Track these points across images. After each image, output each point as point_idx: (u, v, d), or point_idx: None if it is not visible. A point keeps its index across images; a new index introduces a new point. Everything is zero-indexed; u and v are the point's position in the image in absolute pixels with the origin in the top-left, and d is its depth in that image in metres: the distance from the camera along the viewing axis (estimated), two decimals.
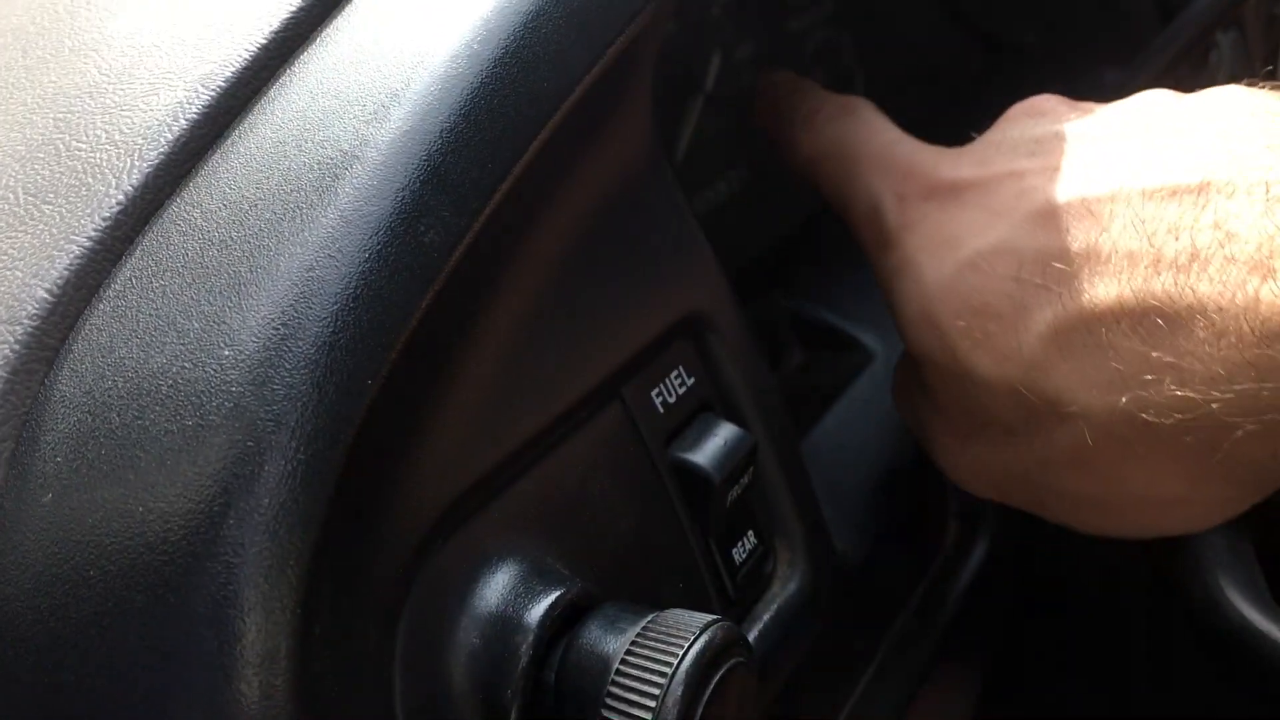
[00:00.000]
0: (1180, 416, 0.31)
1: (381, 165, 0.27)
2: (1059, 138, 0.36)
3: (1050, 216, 0.34)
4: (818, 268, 0.54)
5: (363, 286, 0.25)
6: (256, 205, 0.27)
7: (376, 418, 0.25)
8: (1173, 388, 0.31)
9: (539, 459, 0.30)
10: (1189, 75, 0.76)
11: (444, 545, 0.27)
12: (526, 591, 0.28)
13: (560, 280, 0.31)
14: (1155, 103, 0.37)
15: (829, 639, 0.39)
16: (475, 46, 0.29)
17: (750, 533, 0.36)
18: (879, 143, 0.42)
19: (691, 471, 0.34)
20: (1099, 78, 0.72)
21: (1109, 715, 0.53)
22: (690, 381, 0.35)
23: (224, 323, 0.25)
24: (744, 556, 0.35)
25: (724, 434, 0.34)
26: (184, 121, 0.29)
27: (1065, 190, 0.34)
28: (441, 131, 0.27)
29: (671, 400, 0.34)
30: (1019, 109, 0.41)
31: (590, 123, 0.32)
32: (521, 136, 0.29)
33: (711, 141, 0.60)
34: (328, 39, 0.31)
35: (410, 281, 0.26)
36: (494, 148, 0.28)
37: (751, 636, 0.35)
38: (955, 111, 0.70)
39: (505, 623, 0.27)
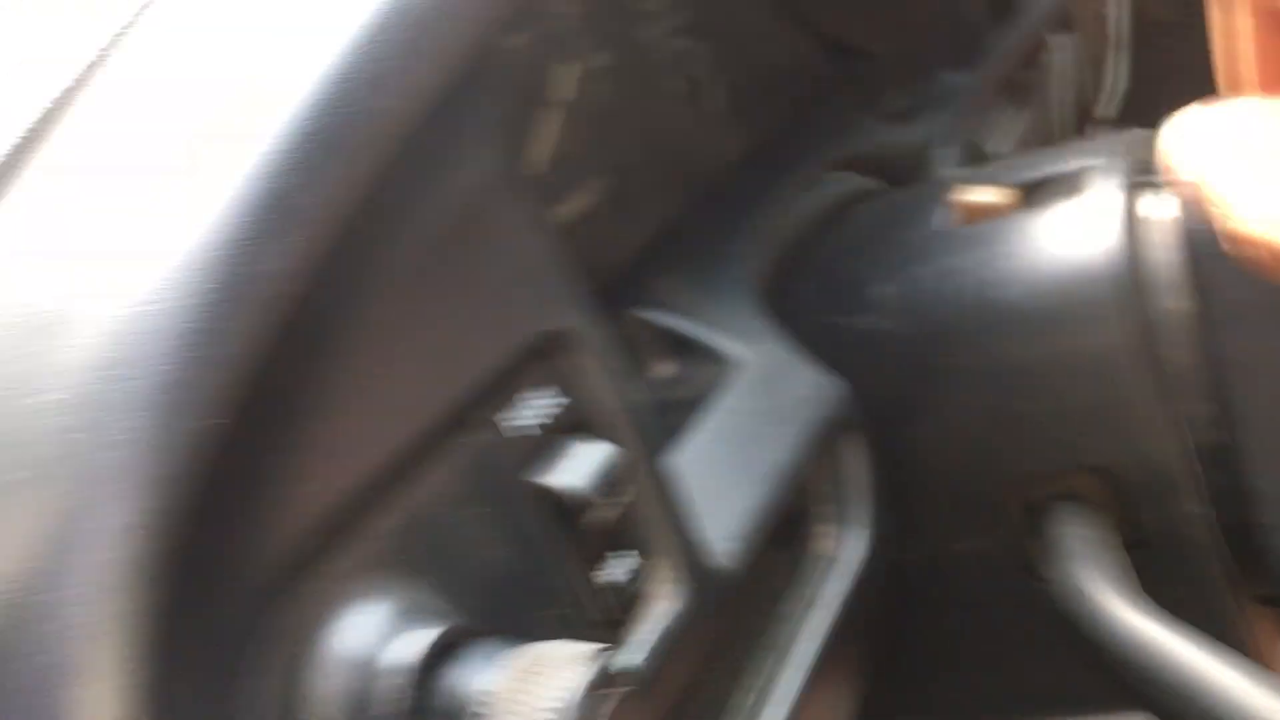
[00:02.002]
0: None
1: (216, 189, 0.25)
2: None
3: None
4: (678, 277, 0.54)
5: (201, 318, 0.23)
6: (82, 229, 0.25)
7: (222, 457, 0.23)
8: None
9: (397, 491, 0.29)
10: (1025, 75, 0.79)
11: (300, 589, 0.26)
12: (391, 631, 0.27)
13: (412, 302, 0.29)
14: None
15: (712, 652, 0.39)
16: (312, 63, 0.27)
17: (625, 553, 0.35)
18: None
19: (561, 493, 0.33)
20: (941, 81, 0.74)
21: (992, 700, 0.54)
22: (556, 401, 0.34)
23: (51, 365, 0.23)
24: (620, 578, 0.35)
25: (592, 453, 0.33)
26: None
27: None
28: (279, 152, 0.26)
29: (537, 421, 0.33)
30: None
31: (436, 140, 0.30)
32: (361, 156, 0.27)
33: (571, 152, 0.59)
34: (135, 50, 0.29)
35: (251, 311, 0.24)
36: (335, 169, 0.27)
37: (635, 658, 0.34)
38: (805, 116, 0.71)
39: (370, 666, 0.26)
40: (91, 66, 0.29)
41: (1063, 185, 0.53)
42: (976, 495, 0.49)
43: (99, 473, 0.22)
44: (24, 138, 0.27)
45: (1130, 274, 0.46)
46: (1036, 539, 0.48)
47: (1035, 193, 0.53)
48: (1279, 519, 0.43)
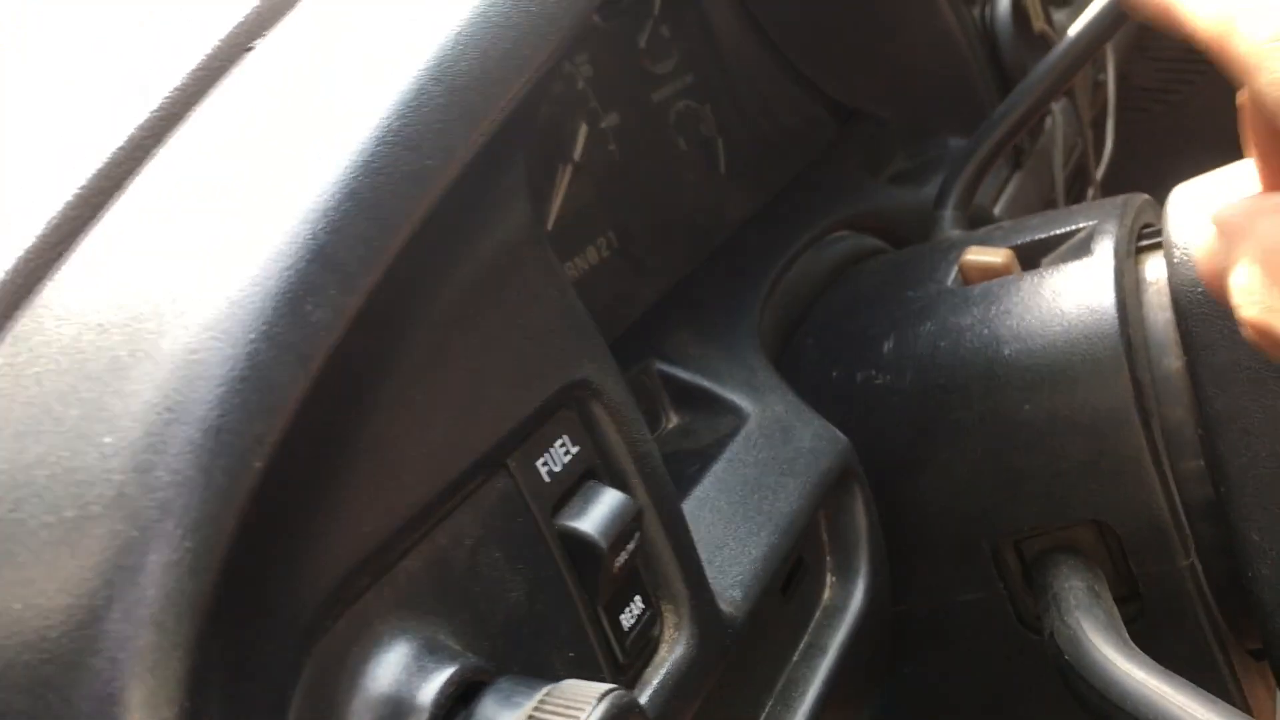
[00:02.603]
0: None
1: (264, 244, 0.26)
2: None
3: None
4: (688, 332, 0.55)
5: (248, 367, 0.25)
6: (137, 288, 0.26)
7: (263, 500, 0.24)
8: None
9: (427, 533, 0.30)
10: (1027, 139, 0.81)
11: (333, 626, 0.27)
12: (419, 670, 0.28)
13: (445, 353, 0.31)
14: None
15: (717, 697, 0.40)
16: (357, 128, 0.29)
17: (637, 598, 0.36)
18: None
19: (579, 539, 0.34)
20: (944, 145, 0.76)
21: None
22: (575, 450, 0.35)
23: (104, 408, 0.24)
24: (632, 622, 0.36)
25: (609, 501, 0.35)
26: (57, 202, 0.28)
27: None
28: (325, 210, 0.27)
29: (557, 469, 0.34)
30: None
31: (470, 199, 0.32)
32: (404, 214, 0.29)
33: (580, 210, 0.61)
34: (200, 118, 0.31)
35: (296, 360, 0.26)
36: (377, 226, 0.28)
37: (643, 700, 0.35)
38: (812, 177, 0.73)
39: (399, 703, 0.27)
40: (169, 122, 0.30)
41: (1062, 247, 0.55)
42: (975, 547, 0.50)
43: (146, 512, 0.23)
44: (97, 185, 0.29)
45: (1125, 334, 0.47)
46: (1033, 590, 0.49)
47: (1035, 254, 0.55)
48: (1268, 573, 0.44)
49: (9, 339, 0.26)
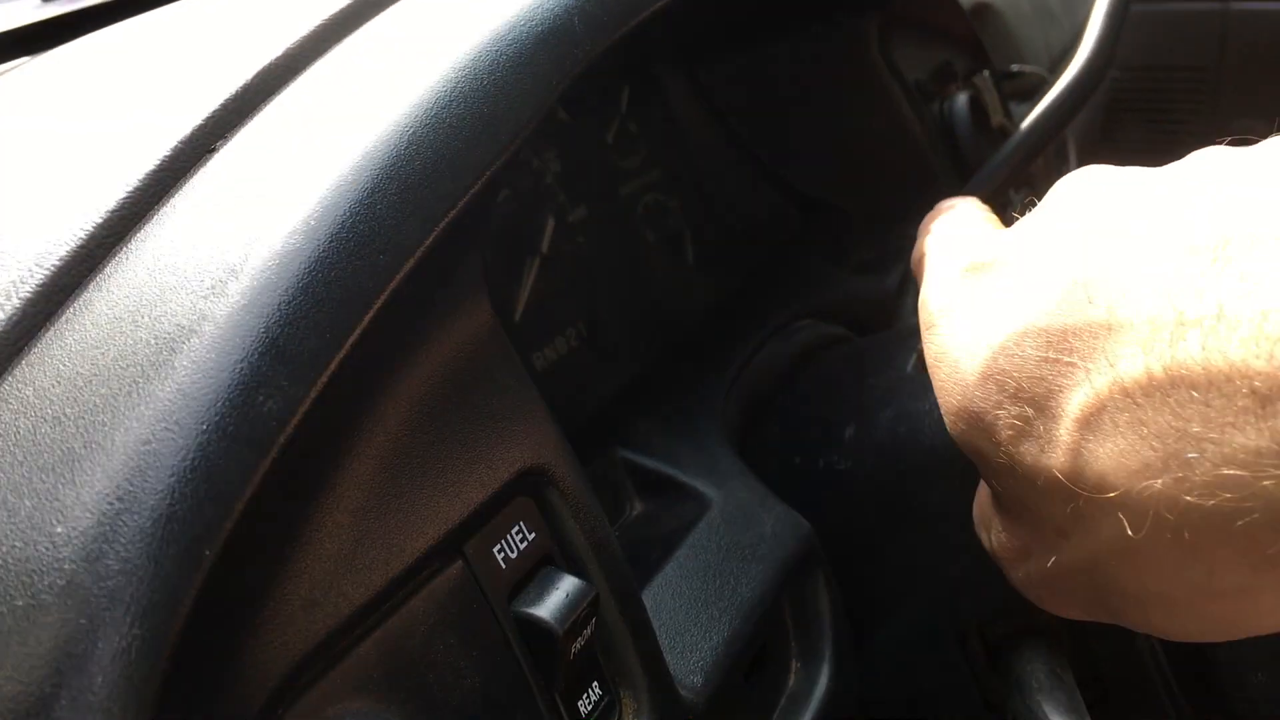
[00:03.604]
0: (1228, 496, 0.27)
1: (220, 338, 0.27)
2: (1091, 202, 0.34)
3: (1074, 287, 0.31)
4: (652, 420, 0.56)
5: (200, 457, 0.25)
6: (92, 381, 0.27)
7: (214, 588, 0.25)
8: (1216, 466, 0.27)
9: (381, 620, 0.30)
10: None
11: (287, 713, 0.27)
12: None
13: (400, 443, 0.31)
14: (1196, 161, 0.33)
15: None
16: (312, 224, 0.30)
17: (595, 684, 0.36)
18: (951, 227, 0.41)
19: (535, 625, 0.34)
20: (906, 234, 0.78)
21: None
22: (531, 536, 0.36)
23: (57, 499, 0.25)
24: (590, 708, 0.36)
25: (565, 587, 0.35)
26: (16, 300, 0.29)
27: (1088, 257, 0.31)
28: (279, 305, 0.28)
29: (513, 555, 0.35)
30: (1067, 180, 0.37)
31: (424, 293, 0.33)
32: (357, 308, 0.30)
33: (549, 301, 0.62)
34: (164, 217, 0.32)
35: (248, 451, 0.26)
36: (331, 319, 0.29)
37: None
38: (777, 267, 0.75)
39: None
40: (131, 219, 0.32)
41: None
42: (938, 632, 0.50)
43: (96, 600, 0.23)
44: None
45: None
46: (997, 674, 0.49)
47: None
48: (1225, 653, 0.45)
49: None
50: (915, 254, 0.45)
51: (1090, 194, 0.34)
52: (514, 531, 0.35)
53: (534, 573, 0.36)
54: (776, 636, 0.48)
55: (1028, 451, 0.32)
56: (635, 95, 0.73)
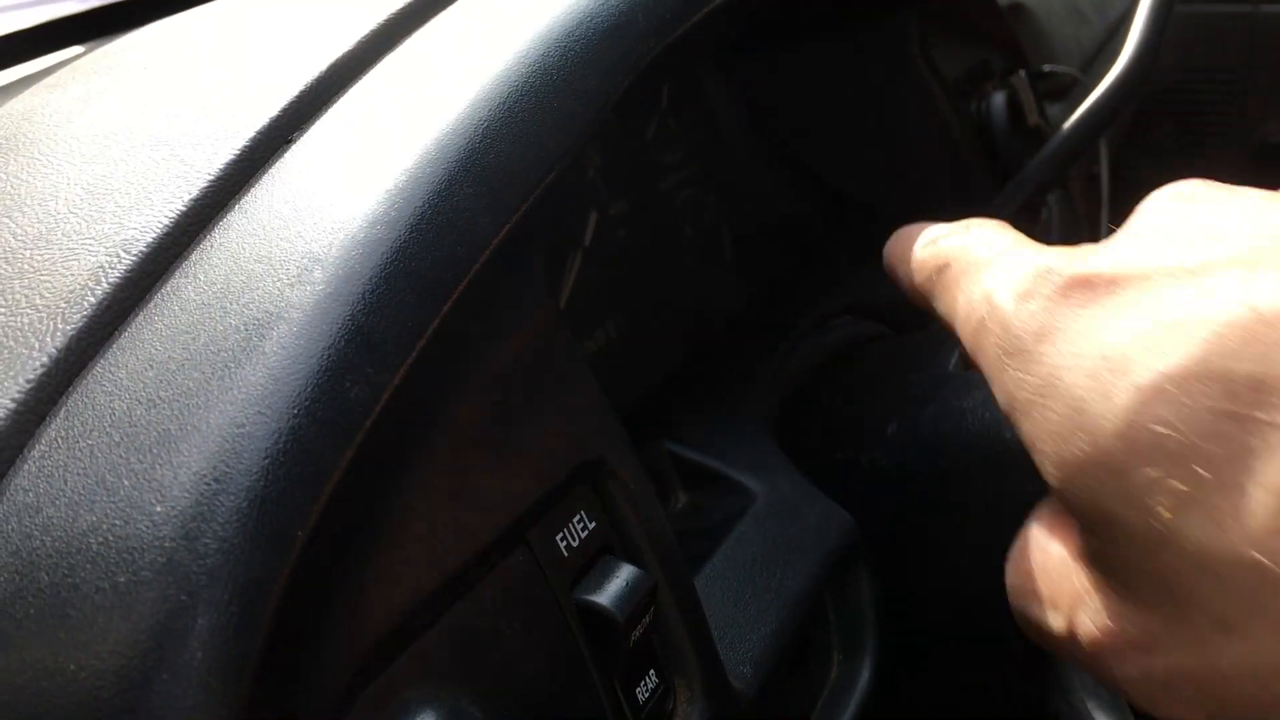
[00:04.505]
0: None
1: (307, 325, 0.28)
2: (1238, 224, 0.28)
3: (1260, 324, 0.25)
4: (696, 414, 0.57)
5: (291, 441, 0.26)
6: (184, 365, 0.28)
7: (303, 569, 0.26)
8: None
9: (451, 604, 0.31)
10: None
11: (364, 693, 0.28)
12: None
13: (470, 431, 0.32)
14: None
15: None
16: (392, 214, 0.31)
17: (652, 671, 0.37)
18: (1000, 245, 0.35)
19: (595, 612, 0.35)
20: None
21: None
22: (591, 525, 0.36)
23: (154, 479, 0.25)
24: (646, 695, 0.37)
25: (625, 575, 0.36)
26: (106, 285, 0.30)
27: (1274, 288, 0.26)
28: (364, 293, 0.29)
29: (575, 544, 0.36)
30: (1163, 194, 0.31)
31: (497, 283, 0.34)
32: (437, 297, 0.30)
33: (589, 293, 0.63)
34: (247, 206, 0.32)
35: (335, 434, 0.27)
36: (412, 308, 0.30)
37: None
38: (814, 263, 0.75)
39: None
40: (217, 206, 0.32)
41: None
42: (978, 628, 0.50)
43: (195, 578, 0.24)
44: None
45: None
46: (1040, 671, 0.50)
47: None
48: None
49: (63, 413, 0.28)
50: (921, 270, 0.39)
51: (1235, 212, 0.29)
52: (575, 521, 0.36)
53: (594, 561, 0.36)
54: (819, 629, 0.49)
55: (1197, 525, 0.26)
56: (676, 92, 0.73)
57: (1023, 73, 0.86)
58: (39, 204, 0.34)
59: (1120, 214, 0.32)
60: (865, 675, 0.49)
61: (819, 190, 0.80)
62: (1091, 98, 0.68)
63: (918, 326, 0.68)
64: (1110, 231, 0.32)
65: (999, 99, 0.82)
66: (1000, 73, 0.86)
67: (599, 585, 0.35)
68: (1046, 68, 1.00)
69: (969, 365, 0.56)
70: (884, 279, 0.72)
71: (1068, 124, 0.68)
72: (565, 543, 0.35)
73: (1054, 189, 0.84)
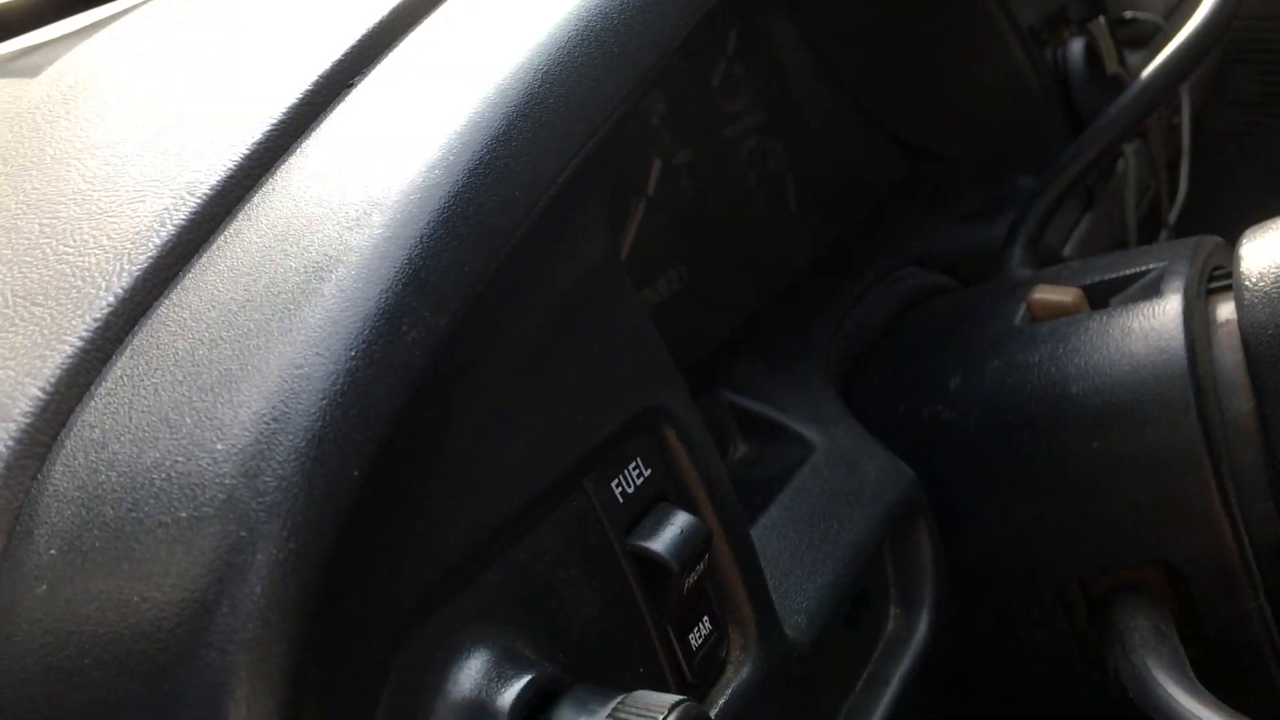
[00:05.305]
0: None
1: (365, 268, 0.28)
2: None
3: None
4: (757, 363, 0.56)
5: (349, 383, 0.26)
6: (245, 306, 0.28)
7: (361, 507, 0.26)
8: None
9: (507, 547, 0.31)
10: (1099, 180, 0.81)
11: (419, 632, 0.28)
12: (499, 677, 0.29)
13: (529, 375, 0.32)
14: None
15: (782, 718, 0.40)
16: (452, 158, 0.31)
17: (706, 619, 0.37)
18: None
19: (650, 559, 0.35)
20: (1014, 184, 0.76)
21: None
22: (647, 473, 0.36)
23: (216, 417, 0.26)
24: (700, 641, 0.37)
25: (680, 523, 0.36)
26: (170, 227, 0.30)
27: None
28: (421, 237, 0.29)
29: (630, 491, 0.36)
30: None
31: (555, 228, 0.34)
32: (495, 242, 0.30)
33: (653, 243, 0.63)
34: (307, 150, 0.33)
35: (392, 377, 0.27)
36: (469, 253, 0.30)
37: (713, 715, 0.36)
38: (880, 214, 0.74)
39: (479, 707, 0.28)
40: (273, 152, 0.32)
41: (1131, 287, 0.55)
42: (1039, 585, 0.50)
43: (255, 514, 0.25)
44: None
45: (1194, 375, 0.47)
46: (1097, 628, 0.49)
47: (1104, 293, 0.55)
48: None
49: (129, 352, 0.28)
50: None
51: None
52: (631, 468, 0.36)
53: (650, 508, 0.36)
54: (876, 582, 0.49)
55: None
56: (742, 38, 0.72)
57: (1102, 19, 0.84)
58: (107, 148, 0.34)
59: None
60: (922, 629, 0.48)
61: (887, 140, 0.79)
62: (1172, 45, 0.66)
63: (984, 279, 0.67)
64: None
65: (1077, 46, 0.79)
66: (1079, 19, 0.83)
67: (654, 532, 0.35)
68: (1127, 14, 0.97)
69: (1035, 318, 0.55)
70: (951, 230, 0.71)
71: (1147, 72, 0.66)
72: (621, 489, 0.35)
73: (1132, 139, 0.82)
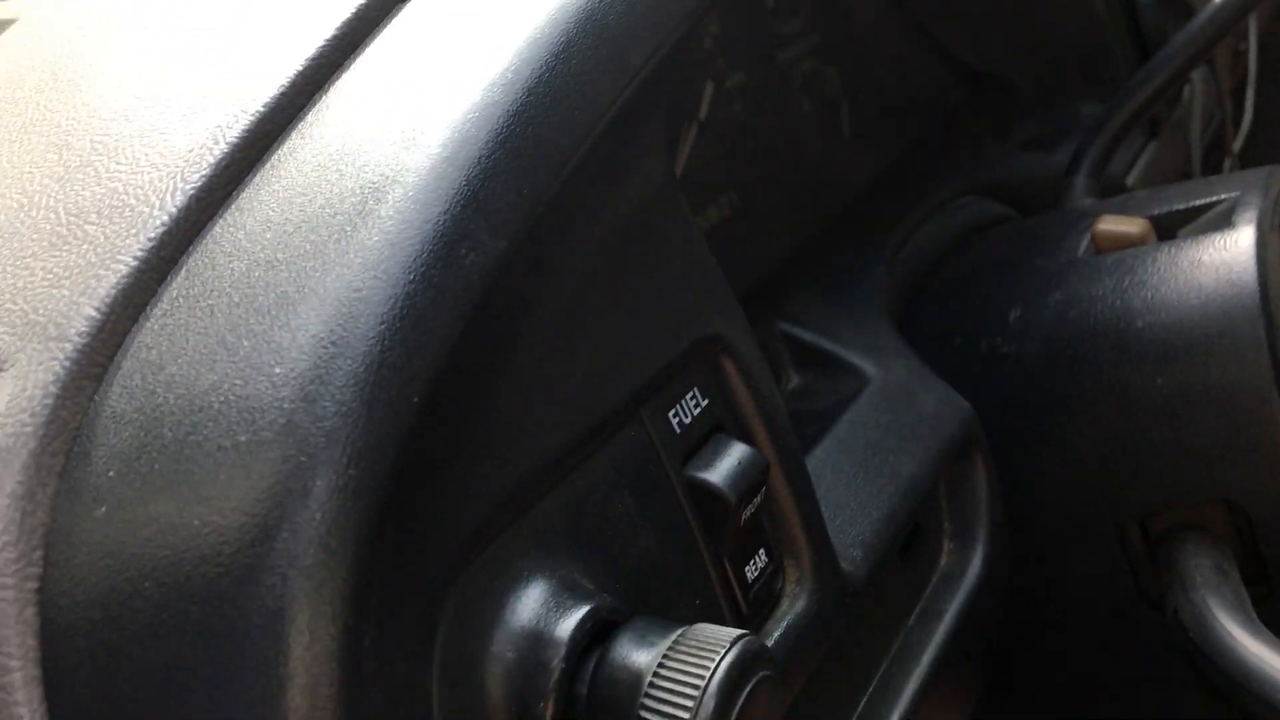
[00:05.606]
0: None
1: (422, 189, 0.27)
2: None
3: None
4: (811, 293, 0.55)
5: (407, 306, 0.26)
6: (300, 227, 0.27)
7: (420, 433, 0.25)
8: None
9: (563, 477, 0.31)
10: (1164, 108, 0.79)
11: (477, 560, 0.28)
12: (557, 606, 0.29)
13: (587, 302, 0.31)
14: None
15: (834, 655, 0.40)
16: (509, 76, 0.29)
17: (761, 551, 0.37)
18: None
19: (707, 490, 0.34)
20: (1077, 111, 0.74)
21: None
22: (704, 403, 0.36)
23: (273, 340, 0.25)
24: (755, 574, 0.36)
25: (737, 454, 0.35)
26: (224, 145, 0.30)
27: None
28: (479, 158, 0.28)
29: (687, 421, 0.35)
30: None
31: (614, 151, 0.33)
32: (554, 163, 0.29)
33: (704, 168, 0.61)
34: (360, 68, 0.32)
35: (451, 301, 0.26)
36: (528, 173, 0.29)
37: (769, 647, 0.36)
38: (938, 141, 0.72)
39: (537, 636, 0.28)
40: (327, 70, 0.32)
41: (1201, 218, 0.53)
42: (1097, 521, 0.49)
43: (314, 440, 0.24)
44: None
45: (1266, 309, 0.46)
46: (1156, 567, 0.48)
47: (1172, 225, 0.54)
48: None
49: (184, 272, 0.28)
50: None
51: None
52: (689, 398, 0.35)
53: (707, 439, 0.36)
54: (931, 516, 0.48)
55: None
56: None
57: None
58: (158, 66, 0.33)
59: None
60: (976, 564, 0.48)
61: (946, 64, 0.76)
62: None
63: (1045, 209, 0.65)
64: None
65: None
66: None
67: (711, 463, 0.35)
68: None
69: (1100, 249, 0.53)
70: (1012, 157, 0.69)
71: None
72: (678, 419, 0.35)
73: (1199, 65, 0.79)
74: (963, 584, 0.47)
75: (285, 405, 0.24)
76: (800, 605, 0.38)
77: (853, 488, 0.45)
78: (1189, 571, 0.46)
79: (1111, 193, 0.65)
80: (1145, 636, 0.49)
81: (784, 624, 0.37)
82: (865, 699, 0.42)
